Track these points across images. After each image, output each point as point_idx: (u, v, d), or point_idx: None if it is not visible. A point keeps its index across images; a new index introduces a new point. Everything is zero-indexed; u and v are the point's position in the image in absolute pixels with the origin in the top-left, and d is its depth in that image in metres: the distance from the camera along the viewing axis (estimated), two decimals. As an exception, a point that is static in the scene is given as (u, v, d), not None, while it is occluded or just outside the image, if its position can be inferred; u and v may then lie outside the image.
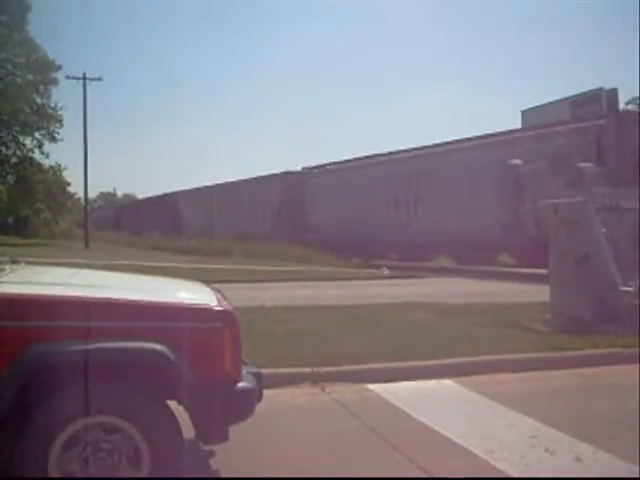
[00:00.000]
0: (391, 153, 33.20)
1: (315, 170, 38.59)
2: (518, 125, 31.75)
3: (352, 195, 32.02)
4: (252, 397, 4.20)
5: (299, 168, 40.92)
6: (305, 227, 35.50)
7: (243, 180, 45.19)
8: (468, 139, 28.82)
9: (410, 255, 29.49)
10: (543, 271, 13.28)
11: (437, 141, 32.21)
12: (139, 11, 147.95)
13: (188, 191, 55.28)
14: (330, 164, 37.90)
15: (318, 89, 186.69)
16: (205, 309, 4.18)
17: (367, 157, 35.28)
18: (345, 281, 21.01)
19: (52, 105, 52.50)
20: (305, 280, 20.56)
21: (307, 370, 7.42)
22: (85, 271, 6.15)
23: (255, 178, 42.97)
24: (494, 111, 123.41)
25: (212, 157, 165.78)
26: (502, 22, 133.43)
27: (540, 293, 11.27)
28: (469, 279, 21.53)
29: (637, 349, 8.45)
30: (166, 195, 59.59)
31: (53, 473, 3.76)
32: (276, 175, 39.99)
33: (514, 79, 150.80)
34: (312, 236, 33.84)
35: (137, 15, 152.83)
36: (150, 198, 66.84)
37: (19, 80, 51.70)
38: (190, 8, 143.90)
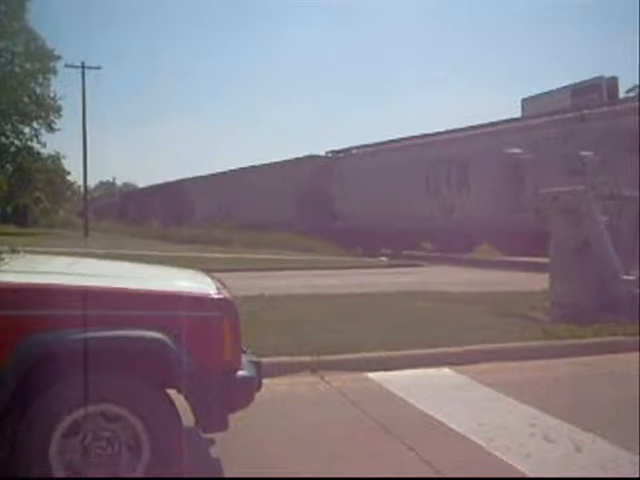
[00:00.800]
0: (429, 135, 29.69)
1: (342, 154, 35.30)
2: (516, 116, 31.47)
3: (384, 180, 29.02)
4: (252, 386, 4.20)
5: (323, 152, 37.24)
6: (332, 215, 32.91)
7: (261, 165, 41.88)
8: (515, 119, 25.82)
9: (449, 245, 27.71)
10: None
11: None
12: (141, 2, 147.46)
13: (199, 177, 51.81)
14: (359, 147, 34.48)
15: (320, 83, 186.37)
16: (205, 298, 4.17)
17: (401, 139, 31.72)
18: (345, 270, 21.10)
19: (51, 95, 52.41)
20: (305, 269, 20.62)
21: (307, 358, 7.43)
22: (84, 260, 6.15)
23: (275, 163, 39.81)
24: (494, 103, 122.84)
25: (212, 147, 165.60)
26: (502, 16, 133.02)
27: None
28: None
29: (637, 337, 8.45)
30: (175, 182, 56.06)
31: (54, 462, 3.76)
32: (298, 159, 36.87)
33: (514, 72, 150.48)
34: (340, 225, 31.80)
35: (139, 5, 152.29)
36: (157, 185, 62.21)
37: (18, 69, 51.52)
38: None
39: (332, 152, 35.90)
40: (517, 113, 34.42)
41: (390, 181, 28.71)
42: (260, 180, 39.86)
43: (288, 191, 36.21)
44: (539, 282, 12.12)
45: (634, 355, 7.79)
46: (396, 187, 28.29)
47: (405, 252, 29.32)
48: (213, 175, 49.42)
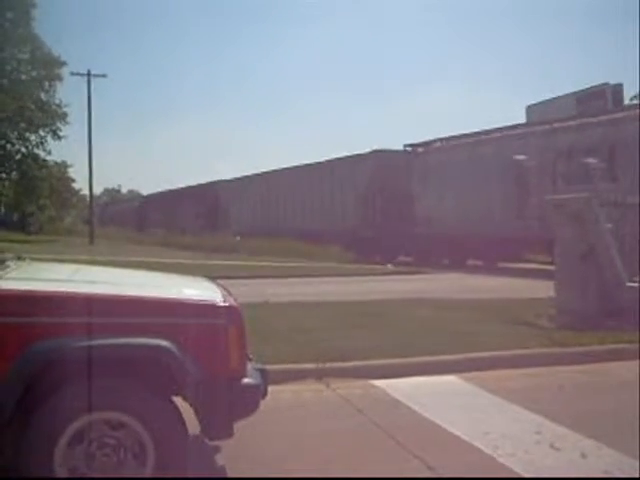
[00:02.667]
0: (534, 124, 25.02)
1: (420, 148, 29.78)
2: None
3: (483, 177, 24.13)
4: (257, 393, 4.20)
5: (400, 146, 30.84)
6: (410, 220, 27.77)
7: (314, 163, 36.29)
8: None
9: None
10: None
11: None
12: (144, 7, 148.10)
13: (235, 180, 46.30)
14: (445, 138, 29.06)
15: (321, 86, 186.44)
16: (210, 305, 4.18)
17: (512, 126, 26.02)
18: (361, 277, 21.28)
19: (57, 102, 52.51)
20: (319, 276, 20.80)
21: (311, 366, 7.42)
22: (89, 267, 6.17)
23: (329, 161, 34.34)
24: (497, 108, 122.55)
25: (217, 153, 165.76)
26: (504, 19, 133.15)
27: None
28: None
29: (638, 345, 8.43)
30: (206, 185, 50.36)
31: (58, 469, 3.77)
32: (362, 156, 31.28)
33: (517, 77, 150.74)
34: (421, 231, 27.05)
35: (142, 11, 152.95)
36: (183, 189, 55.90)
37: (24, 77, 51.65)
38: (196, 4, 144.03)
39: (410, 145, 30.33)
40: (521, 117, 34.49)
41: (490, 178, 24.00)
42: (313, 180, 34.99)
43: (348, 193, 31.63)
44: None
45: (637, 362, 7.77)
46: (499, 185, 23.63)
47: (501, 265, 25.51)
48: (254, 176, 44.14)
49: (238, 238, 34.95)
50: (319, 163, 35.52)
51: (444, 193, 26.37)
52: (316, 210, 34.47)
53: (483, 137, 26.54)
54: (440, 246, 26.12)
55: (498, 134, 25.83)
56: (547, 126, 23.63)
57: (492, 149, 24.96)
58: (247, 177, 44.97)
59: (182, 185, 57.45)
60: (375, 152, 30.74)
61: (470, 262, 26.46)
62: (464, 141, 27.45)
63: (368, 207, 30.19)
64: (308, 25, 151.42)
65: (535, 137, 23.43)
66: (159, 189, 66.48)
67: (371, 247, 28.73)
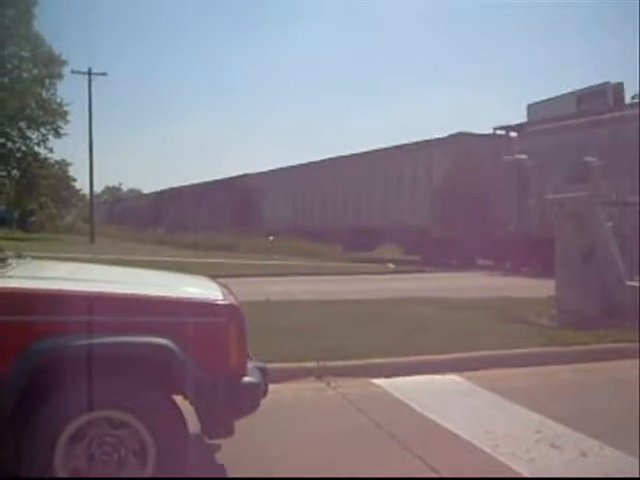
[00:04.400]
0: None
1: (515, 132, 25.25)
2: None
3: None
4: (257, 391, 4.20)
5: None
6: (496, 217, 23.51)
7: (368, 152, 31.79)
8: None
9: None
10: None
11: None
12: (145, 6, 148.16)
13: (269, 172, 41.77)
14: (541, 121, 24.28)
15: (322, 88, 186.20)
16: (211, 304, 4.18)
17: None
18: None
19: (57, 100, 52.50)
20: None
21: (312, 364, 7.42)
22: (90, 266, 6.17)
23: (395, 147, 29.61)
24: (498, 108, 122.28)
25: (216, 152, 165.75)
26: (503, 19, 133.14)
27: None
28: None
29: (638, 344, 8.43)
30: (233, 179, 45.89)
31: (58, 468, 3.76)
32: (439, 140, 26.97)
33: (517, 75, 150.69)
34: (512, 231, 22.84)
35: (143, 10, 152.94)
36: (208, 183, 51.00)
37: (25, 75, 51.66)
38: (196, 4, 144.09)
39: (502, 128, 25.66)
40: (520, 117, 34.34)
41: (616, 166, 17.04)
42: (370, 171, 30.67)
43: (417, 184, 27.53)
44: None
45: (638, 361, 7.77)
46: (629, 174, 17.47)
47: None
48: (291, 168, 39.46)
49: (271, 238, 33.87)
50: (379, 150, 30.99)
51: (547, 185, 20.11)
52: (372, 206, 30.53)
53: (605, 116, 21.68)
54: (538, 249, 20.65)
55: (619, 113, 21.48)
56: None
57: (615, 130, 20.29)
58: (284, 169, 40.59)
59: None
60: (455, 136, 26.35)
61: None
62: (577, 122, 22.64)
63: (442, 201, 25.69)
64: (306, 27, 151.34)
65: None
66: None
67: (444, 249, 25.30)
